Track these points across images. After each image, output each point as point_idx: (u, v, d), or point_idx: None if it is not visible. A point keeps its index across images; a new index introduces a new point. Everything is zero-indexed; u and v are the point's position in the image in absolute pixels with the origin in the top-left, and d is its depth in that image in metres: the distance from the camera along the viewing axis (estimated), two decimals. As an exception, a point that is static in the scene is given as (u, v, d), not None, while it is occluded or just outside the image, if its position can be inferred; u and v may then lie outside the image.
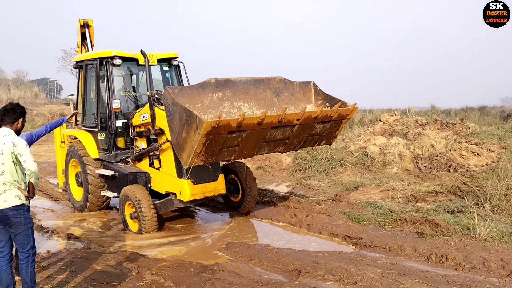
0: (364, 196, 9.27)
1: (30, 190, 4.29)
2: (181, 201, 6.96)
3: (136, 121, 7.68)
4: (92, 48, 9.80)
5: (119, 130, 8.07)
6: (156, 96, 7.07)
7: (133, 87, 8.64)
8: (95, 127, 8.43)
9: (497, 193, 7.73)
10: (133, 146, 7.96)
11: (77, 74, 9.14)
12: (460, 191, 8.80)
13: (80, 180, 8.78)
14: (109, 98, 7.93)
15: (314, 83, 6.98)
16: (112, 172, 7.95)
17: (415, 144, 12.47)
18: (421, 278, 4.96)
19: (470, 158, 11.34)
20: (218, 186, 7.23)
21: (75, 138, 9.02)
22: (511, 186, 7.79)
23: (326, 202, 8.50)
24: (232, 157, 5.85)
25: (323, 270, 5.27)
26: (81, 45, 9.85)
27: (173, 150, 6.53)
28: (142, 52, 7.63)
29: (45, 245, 6.66)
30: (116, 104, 7.79)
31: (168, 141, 6.77)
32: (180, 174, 6.90)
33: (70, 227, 7.69)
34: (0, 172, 4.23)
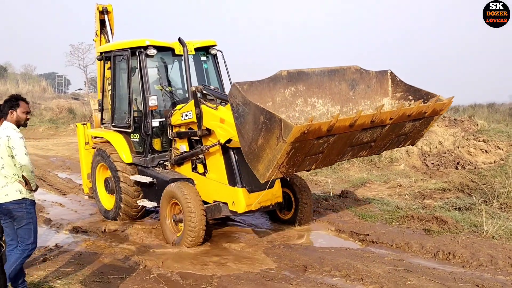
0: (371, 192, 9.25)
1: (27, 184, 4.33)
2: (233, 212, 6.19)
3: (175, 120, 6.80)
4: (112, 36, 8.90)
5: (155, 130, 7.10)
6: (204, 91, 6.31)
7: (168, 81, 7.70)
8: (128, 127, 7.35)
9: (506, 190, 7.69)
10: (172, 148, 7.04)
11: (103, 66, 8.14)
12: (468, 188, 8.76)
13: (110, 186, 7.78)
14: (145, 94, 6.95)
15: (391, 73, 6.07)
16: (149, 179, 6.98)
17: (423, 140, 12.41)
18: (428, 275, 4.95)
19: (478, 155, 11.28)
20: (275, 194, 6.41)
21: (101, 138, 8.17)
22: (520, 183, 7.75)
23: (332, 198, 8.50)
24: (314, 167, 5.07)
25: (329, 266, 5.28)
26: (100, 34, 8.94)
27: (224, 154, 6.18)
28: (180, 40, 6.90)
29: (53, 239, 6.71)
30: (153, 101, 6.81)
31: (220, 144, 6.04)
32: (232, 181, 6.12)
33: (78, 221, 7.75)
34: (0, 166, 4.28)
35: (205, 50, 7.88)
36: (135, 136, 7.35)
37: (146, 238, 6.72)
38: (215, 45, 7.89)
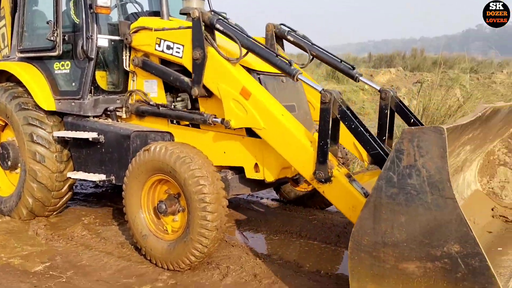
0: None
1: None
2: (256, 182, 3.65)
3: (141, 40, 3.94)
4: None
5: (102, 55, 4.20)
6: (222, 16, 3.53)
7: None
8: (52, 48, 4.18)
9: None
10: (135, 90, 4.11)
11: None
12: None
13: (8, 157, 4.54)
14: None
15: None
16: (92, 134, 3.93)
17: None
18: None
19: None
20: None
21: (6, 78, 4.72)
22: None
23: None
24: None
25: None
26: None
27: None
28: None
29: None
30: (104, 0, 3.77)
31: (228, 128, 3.41)
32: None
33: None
34: None
35: None
36: (63, 64, 4.29)
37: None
38: None
